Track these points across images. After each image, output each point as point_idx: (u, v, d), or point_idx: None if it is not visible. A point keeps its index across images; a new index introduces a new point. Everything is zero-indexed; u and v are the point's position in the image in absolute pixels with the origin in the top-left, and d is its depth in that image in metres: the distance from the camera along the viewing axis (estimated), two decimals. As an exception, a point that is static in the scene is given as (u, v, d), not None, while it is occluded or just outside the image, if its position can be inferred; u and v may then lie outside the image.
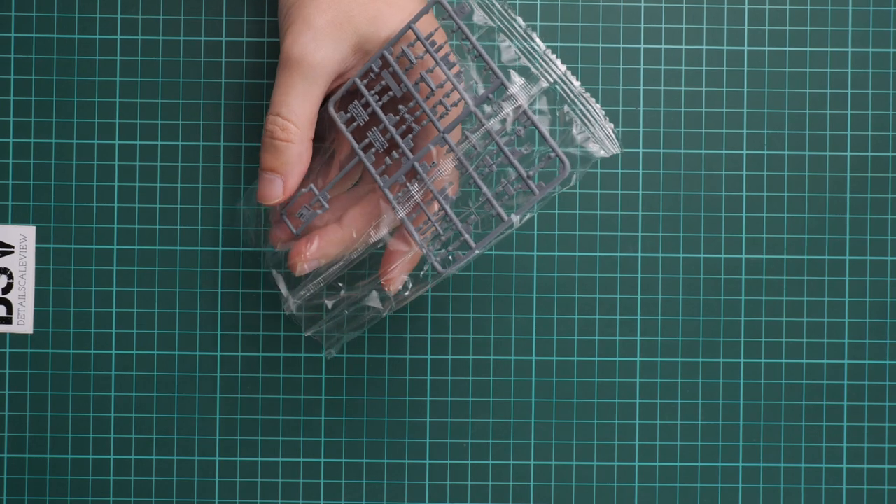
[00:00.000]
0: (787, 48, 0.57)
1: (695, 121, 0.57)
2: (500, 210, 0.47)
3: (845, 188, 0.57)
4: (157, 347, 0.56)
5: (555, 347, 0.57)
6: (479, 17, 0.48)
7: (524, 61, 0.47)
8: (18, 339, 0.56)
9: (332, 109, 0.49)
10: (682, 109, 0.57)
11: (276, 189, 0.49)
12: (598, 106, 0.47)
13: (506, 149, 0.46)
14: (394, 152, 0.48)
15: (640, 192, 0.57)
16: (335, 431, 0.57)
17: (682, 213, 0.57)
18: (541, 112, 0.47)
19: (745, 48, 0.57)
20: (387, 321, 0.57)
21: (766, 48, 0.57)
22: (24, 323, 0.56)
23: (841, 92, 0.57)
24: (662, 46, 0.57)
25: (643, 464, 0.57)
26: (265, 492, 0.56)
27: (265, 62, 0.57)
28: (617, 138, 0.47)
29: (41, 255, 0.56)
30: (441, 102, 0.47)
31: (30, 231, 0.56)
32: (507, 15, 0.48)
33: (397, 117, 0.48)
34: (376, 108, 0.48)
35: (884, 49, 0.57)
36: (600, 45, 0.57)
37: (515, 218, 0.46)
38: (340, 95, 0.49)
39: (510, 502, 0.57)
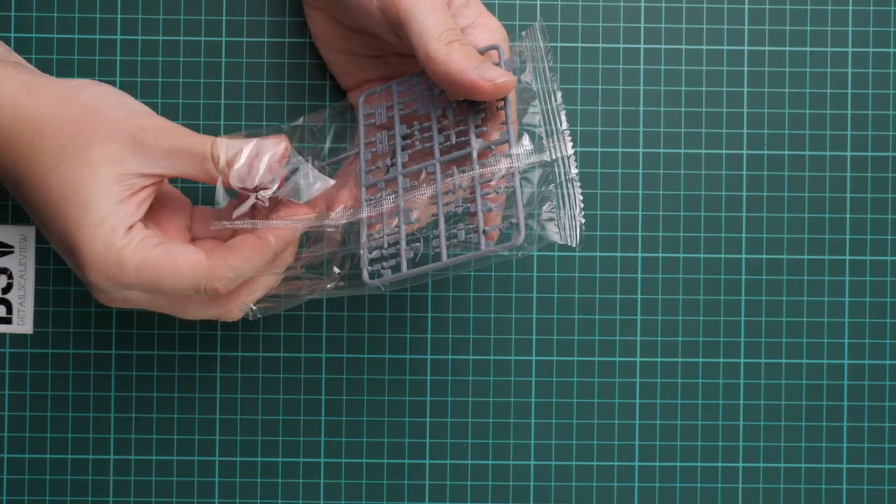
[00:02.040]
0: (787, 48, 0.57)
1: (695, 121, 0.57)
2: (444, 248, 0.46)
3: (845, 188, 0.57)
4: (156, 347, 0.56)
5: (555, 347, 0.57)
6: (525, 76, 0.49)
7: (541, 131, 0.48)
8: (18, 339, 0.56)
9: (361, 101, 0.51)
10: (682, 109, 0.57)
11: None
12: (581, 199, 0.47)
13: (479, 196, 0.47)
14: (389, 160, 0.50)
15: (641, 192, 0.57)
16: (335, 431, 0.57)
17: (681, 213, 0.57)
18: (527, 181, 0.47)
19: (745, 48, 0.57)
20: (387, 321, 0.57)
21: (766, 48, 0.57)
22: (24, 323, 0.56)
23: (841, 92, 0.57)
24: (662, 46, 0.57)
25: (643, 464, 0.57)
26: (265, 492, 0.56)
27: (265, 62, 0.57)
28: (580, 238, 0.46)
29: (41, 255, 0.56)
30: (450, 134, 0.48)
31: (30, 231, 0.56)
32: (551, 87, 0.48)
33: (409, 130, 0.49)
34: (396, 114, 0.50)
35: (884, 49, 0.57)
36: (600, 45, 0.57)
37: (449, 262, 0.46)
38: (373, 92, 0.51)
39: (510, 502, 0.57)
